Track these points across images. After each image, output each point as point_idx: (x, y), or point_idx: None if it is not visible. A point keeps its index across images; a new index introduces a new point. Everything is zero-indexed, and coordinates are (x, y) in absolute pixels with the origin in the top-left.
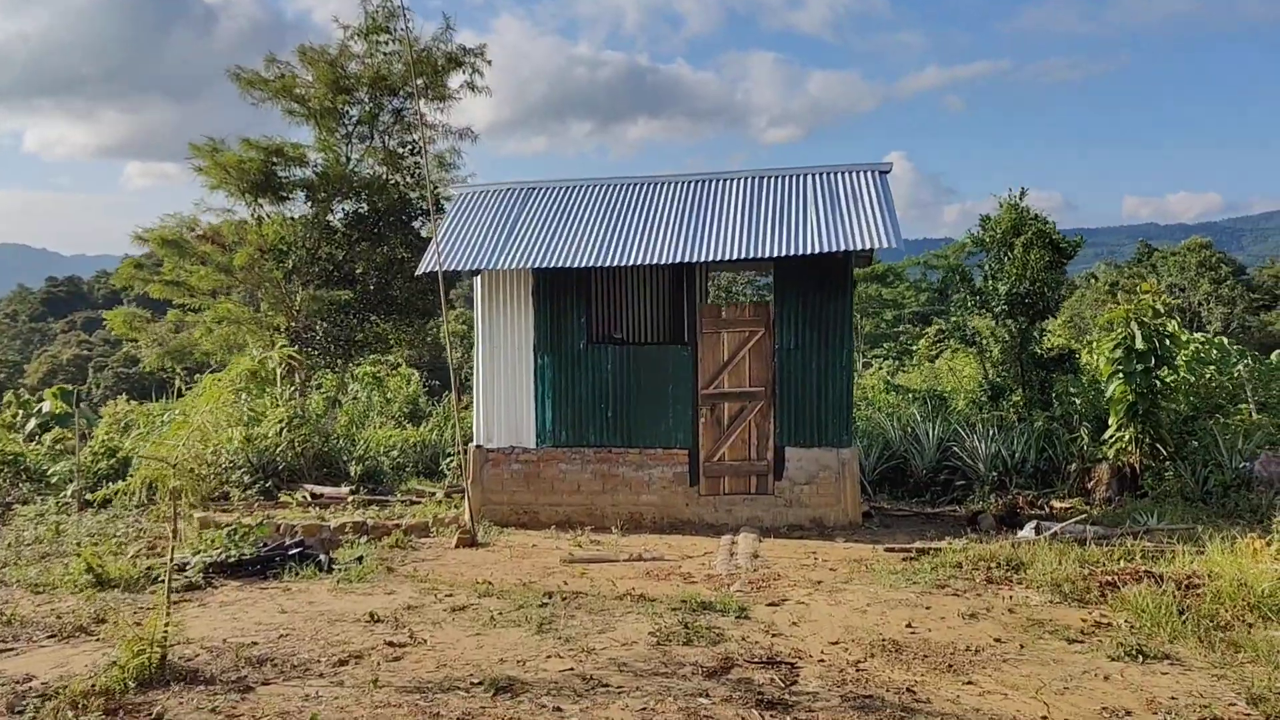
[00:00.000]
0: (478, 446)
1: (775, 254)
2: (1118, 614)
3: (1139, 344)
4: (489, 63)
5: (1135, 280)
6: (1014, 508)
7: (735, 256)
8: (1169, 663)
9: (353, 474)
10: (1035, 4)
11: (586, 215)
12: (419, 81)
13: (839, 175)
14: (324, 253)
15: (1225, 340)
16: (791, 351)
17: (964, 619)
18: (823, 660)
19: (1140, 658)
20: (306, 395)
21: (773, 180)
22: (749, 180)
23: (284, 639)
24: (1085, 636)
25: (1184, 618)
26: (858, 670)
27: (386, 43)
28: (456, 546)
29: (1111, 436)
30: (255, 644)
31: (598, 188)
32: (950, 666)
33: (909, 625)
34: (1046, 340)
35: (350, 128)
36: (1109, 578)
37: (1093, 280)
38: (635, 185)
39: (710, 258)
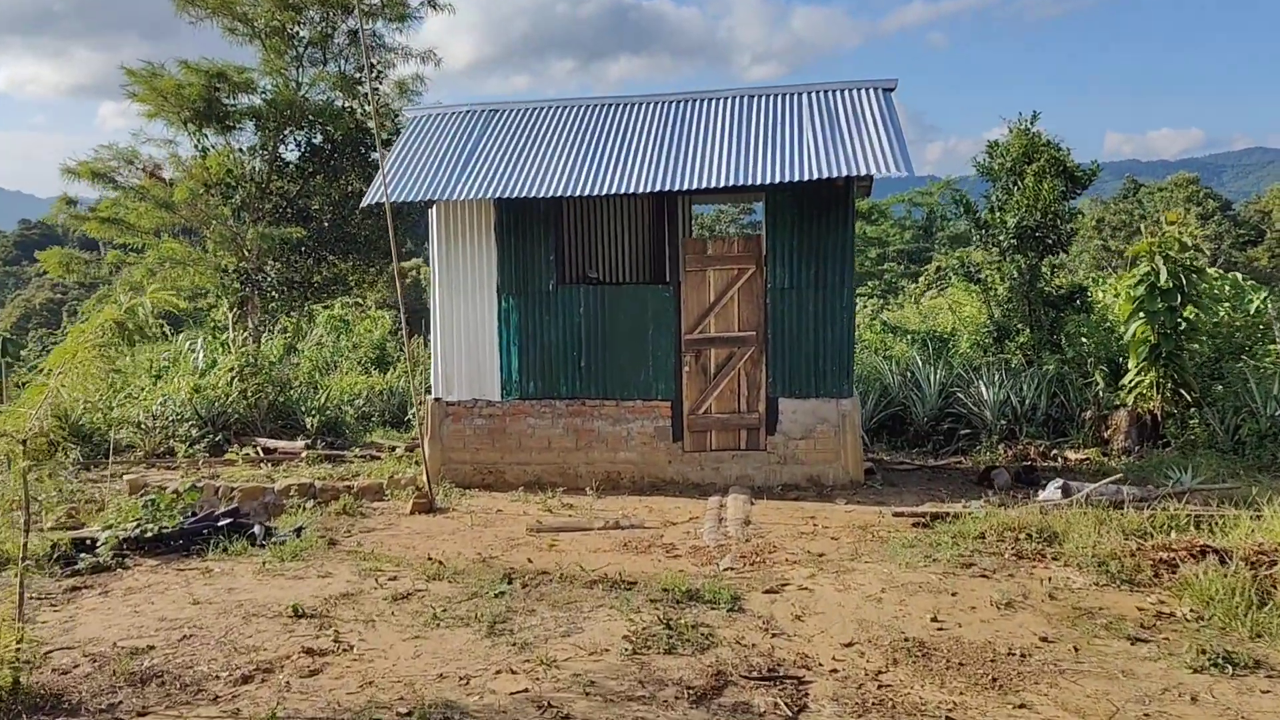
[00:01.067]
0: (436, 399)
1: (767, 180)
2: (1179, 601)
3: (1163, 280)
4: None
5: (1121, 215)
6: (1029, 462)
7: (723, 183)
8: (1265, 674)
9: (309, 426)
10: None
11: (555, 140)
12: None
13: (838, 94)
14: (275, 187)
15: (1239, 276)
16: (785, 291)
17: (999, 609)
18: (835, 670)
19: (1228, 667)
20: (261, 341)
21: (763, 100)
22: (737, 99)
23: (186, 641)
24: (1148, 633)
25: (1266, 608)
26: (880, 686)
27: None
28: (411, 513)
29: (1131, 381)
30: (150, 648)
31: (568, 109)
32: (994, 680)
33: (935, 619)
34: (1057, 277)
35: (300, 50)
36: (1163, 554)
37: (1080, 216)
38: (610, 106)
39: (694, 185)
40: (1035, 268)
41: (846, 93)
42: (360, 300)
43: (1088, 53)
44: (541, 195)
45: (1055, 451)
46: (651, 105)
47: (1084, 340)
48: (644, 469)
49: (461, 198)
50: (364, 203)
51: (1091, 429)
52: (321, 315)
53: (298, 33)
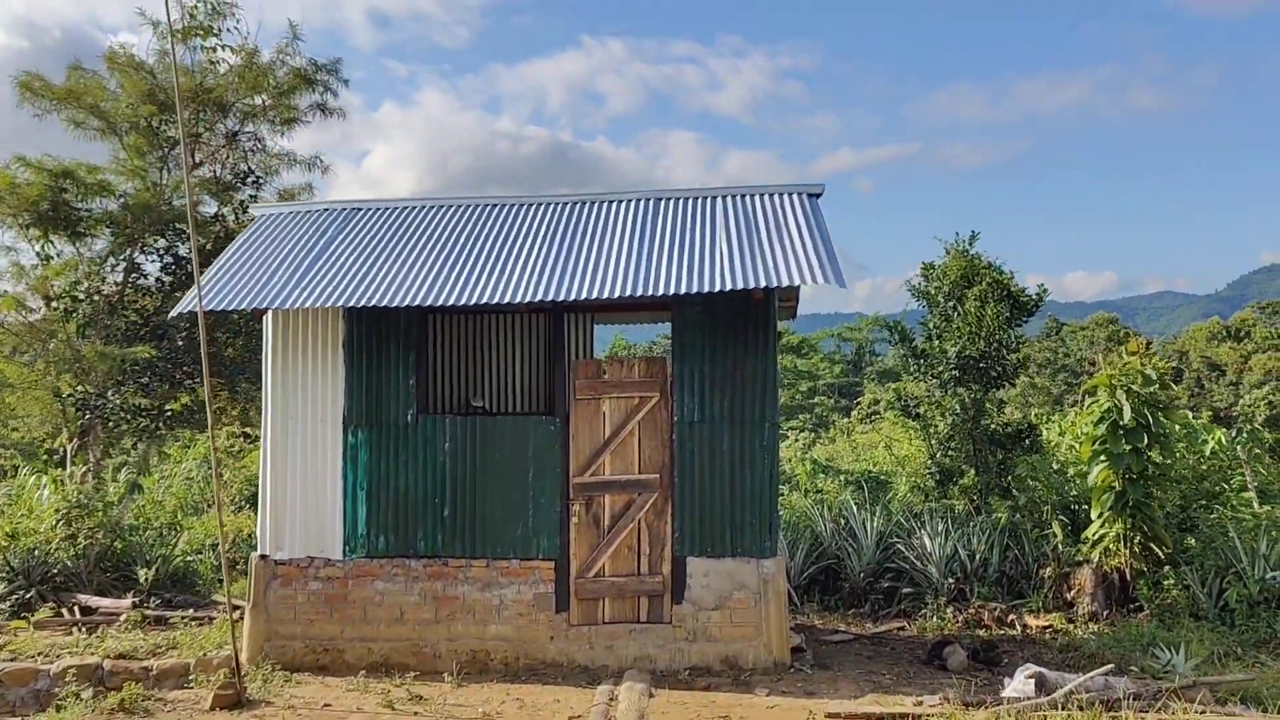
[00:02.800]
0: (262, 557)
1: (671, 291)
2: None
3: (1127, 418)
4: (345, 82)
5: (1046, 353)
6: (987, 639)
7: (618, 294)
8: None
9: (142, 579)
10: (940, 91)
11: (423, 242)
12: (259, 99)
13: (757, 198)
14: (130, 301)
15: (1188, 414)
16: (695, 425)
17: None
18: None
19: None
20: (103, 478)
21: (671, 204)
22: (640, 202)
23: None
24: None
25: None
26: None
27: (213, 49)
28: (212, 708)
29: (1095, 533)
30: None
31: (442, 209)
32: None
33: None
34: (1002, 413)
35: (165, 150)
36: None
37: (1025, 345)
38: (492, 207)
39: (584, 295)
40: (980, 402)
41: (767, 197)
42: (248, 432)
43: (1008, 198)
44: (402, 304)
45: (1013, 616)
46: (540, 207)
47: (1035, 484)
48: (520, 647)
49: (300, 305)
50: (173, 313)
51: (1052, 589)
52: (201, 447)
53: (164, 131)
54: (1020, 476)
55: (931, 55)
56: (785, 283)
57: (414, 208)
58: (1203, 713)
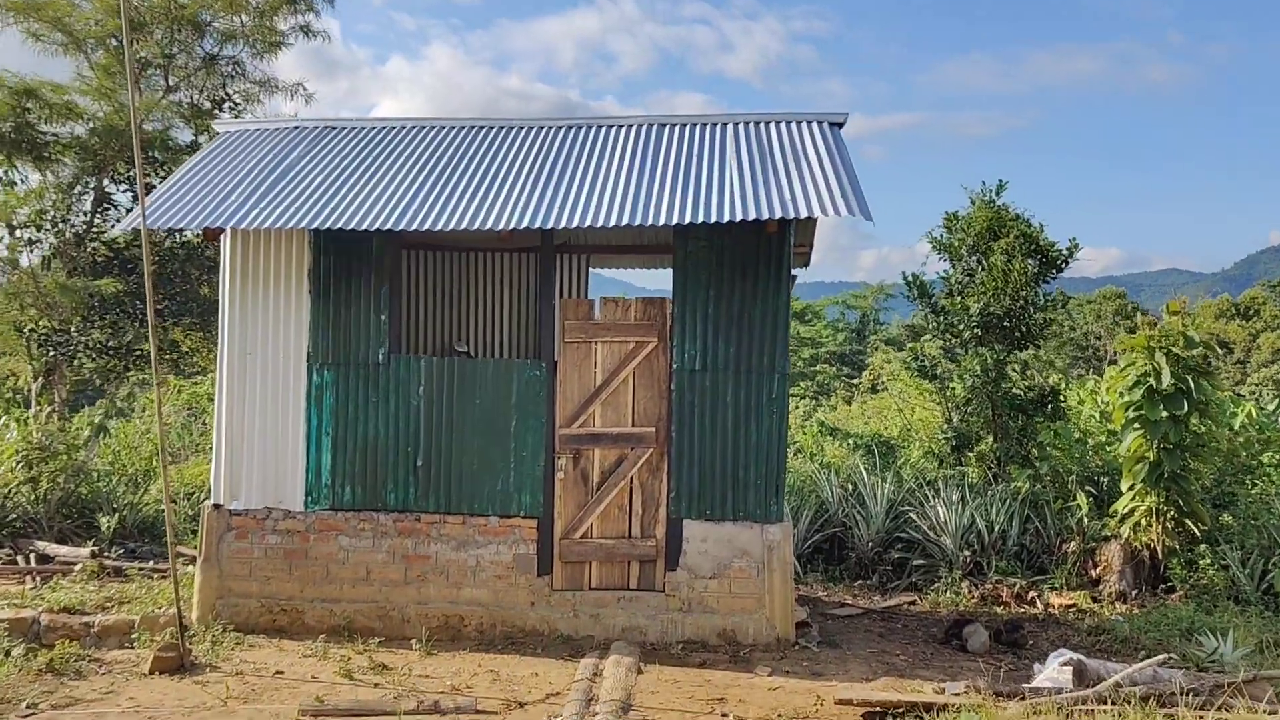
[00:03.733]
0: (215, 507)
1: (674, 220)
2: None
3: (1165, 384)
4: (330, 2)
5: (1054, 325)
6: (1011, 617)
7: (613, 222)
8: None
9: (104, 528)
10: (952, 61)
11: (402, 163)
12: (238, 20)
13: (772, 125)
14: (100, 232)
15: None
16: (696, 374)
17: None
18: None
19: None
20: (68, 418)
21: (677, 130)
22: (644, 128)
23: None
24: None
25: None
26: None
27: None
28: (150, 671)
29: (1125, 507)
30: None
31: (424, 130)
32: None
33: None
34: (1026, 376)
35: (138, 69)
36: None
37: (1057, 305)
38: (479, 129)
39: (575, 223)
40: (1001, 364)
41: (783, 124)
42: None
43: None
44: (368, 227)
45: (1034, 594)
46: (532, 130)
47: (1057, 453)
48: (497, 613)
49: (260, 225)
50: (115, 230)
51: (1076, 565)
52: (184, 391)
53: (136, 51)
54: (1042, 444)
55: (944, 24)
56: (803, 213)
57: (392, 127)
58: (1273, 714)
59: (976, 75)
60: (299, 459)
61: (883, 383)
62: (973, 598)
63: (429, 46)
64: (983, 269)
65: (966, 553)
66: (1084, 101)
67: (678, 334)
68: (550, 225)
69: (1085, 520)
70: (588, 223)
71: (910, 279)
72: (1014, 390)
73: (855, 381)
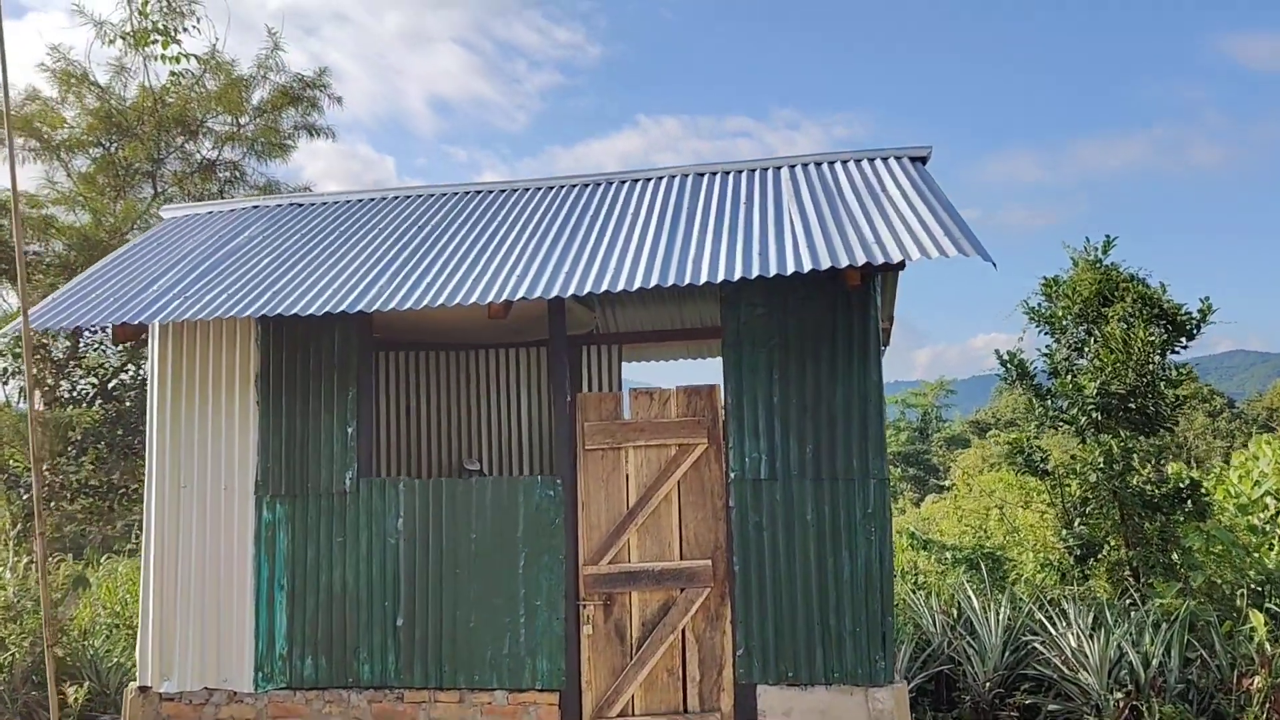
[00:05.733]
0: (142, 689)
1: (724, 276)
2: None
3: None
4: (338, 99)
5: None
6: None
7: (643, 284)
8: None
9: (71, 700)
10: (998, 154)
11: (372, 238)
12: (241, 121)
13: (838, 165)
14: (81, 357)
15: None
16: (762, 484)
17: None
18: None
19: None
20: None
21: (720, 177)
22: (678, 179)
23: None
24: None
25: None
26: None
27: (176, 58)
28: None
29: None
30: None
31: (408, 200)
32: None
33: None
34: (1154, 466)
35: (121, 174)
36: None
37: (1189, 379)
38: (471, 194)
39: (591, 288)
40: (1129, 453)
41: (854, 163)
42: None
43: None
44: (321, 310)
45: None
46: (537, 192)
47: (1209, 560)
48: None
49: (182, 318)
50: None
51: (1265, 707)
52: None
53: (118, 153)
54: (1188, 549)
55: (985, 119)
56: (894, 257)
57: (370, 199)
58: None
59: (1022, 168)
60: (246, 623)
61: (971, 481)
62: None
63: (479, 174)
64: (1095, 341)
65: (1119, 695)
66: (1132, 187)
67: (734, 432)
68: (554, 294)
69: (1267, 645)
70: (603, 287)
71: (1006, 358)
72: (1144, 486)
73: (944, 484)
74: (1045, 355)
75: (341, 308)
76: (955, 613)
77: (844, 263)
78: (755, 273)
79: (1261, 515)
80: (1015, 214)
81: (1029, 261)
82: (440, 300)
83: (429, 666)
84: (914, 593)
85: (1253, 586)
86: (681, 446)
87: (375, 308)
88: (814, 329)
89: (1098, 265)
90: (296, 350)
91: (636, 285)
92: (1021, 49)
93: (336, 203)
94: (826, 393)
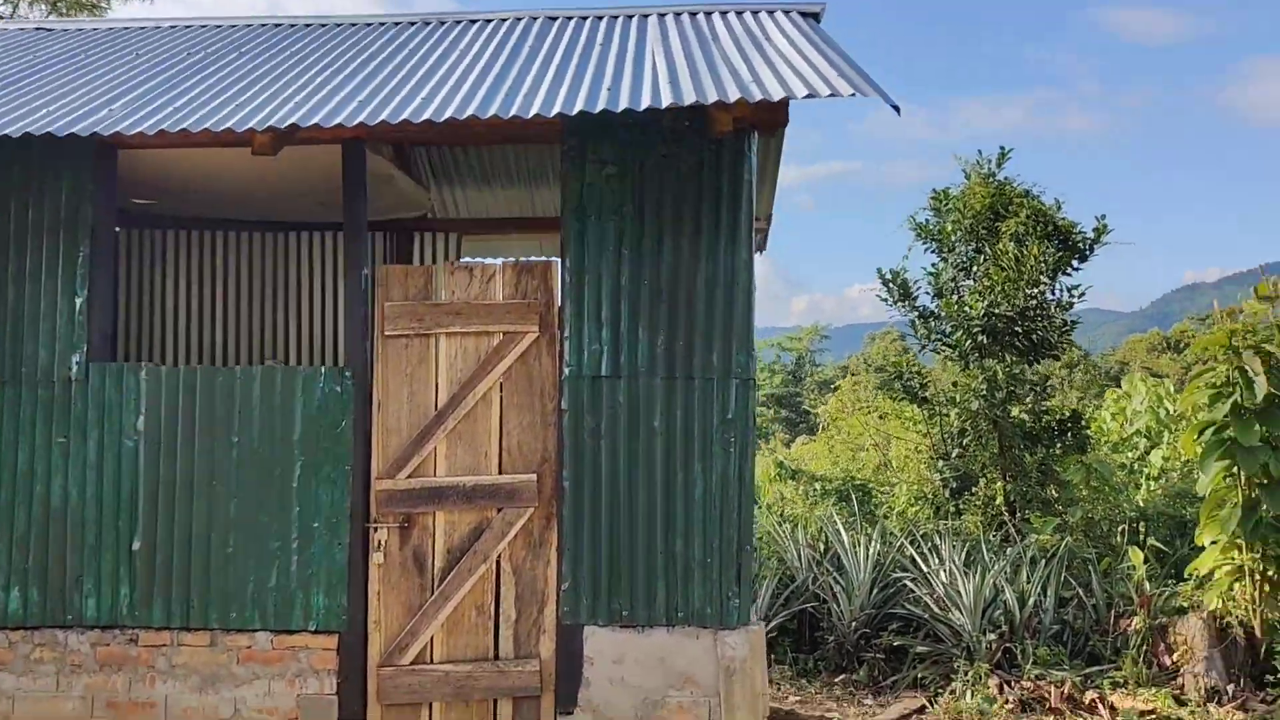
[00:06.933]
0: None
1: (561, 109)
2: None
3: (1260, 395)
4: None
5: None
6: None
7: (457, 113)
8: None
9: None
10: (886, 109)
11: (128, 64)
12: None
13: (715, 17)
14: None
15: None
16: (604, 383)
17: None
18: None
19: None
20: None
21: (574, 24)
22: (520, 23)
23: None
24: None
25: None
26: None
27: None
28: None
29: (1210, 567)
30: None
31: (180, 32)
32: None
33: None
34: (1041, 396)
35: None
36: None
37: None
38: (269, 29)
39: (389, 116)
40: (1014, 379)
41: (733, 14)
42: None
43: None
44: (26, 131)
45: (1092, 693)
46: (350, 29)
47: (1082, 495)
48: None
49: None
50: None
51: (1142, 649)
52: None
53: None
54: (1067, 484)
55: (876, 74)
56: (773, 93)
57: (136, 29)
58: None
59: (908, 124)
60: None
61: (845, 410)
62: (1008, 703)
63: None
64: (985, 259)
65: (991, 636)
66: (1012, 148)
67: (571, 319)
68: (336, 122)
69: (1146, 585)
70: (402, 116)
71: (889, 276)
72: (1024, 416)
73: (817, 411)
74: (931, 274)
75: (71, 128)
76: (822, 547)
77: (712, 97)
78: (601, 107)
79: (1131, 454)
80: (901, 168)
81: (904, 214)
82: (185, 124)
83: (172, 601)
84: (780, 525)
85: (1131, 524)
86: (507, 335)
87: (98, 130)
88: (675, 196)
89: (990, 179)
90: (10, 198)
91: (446, 115)
92: (913, 6)
93: (98, 29)
94: (687, 273)
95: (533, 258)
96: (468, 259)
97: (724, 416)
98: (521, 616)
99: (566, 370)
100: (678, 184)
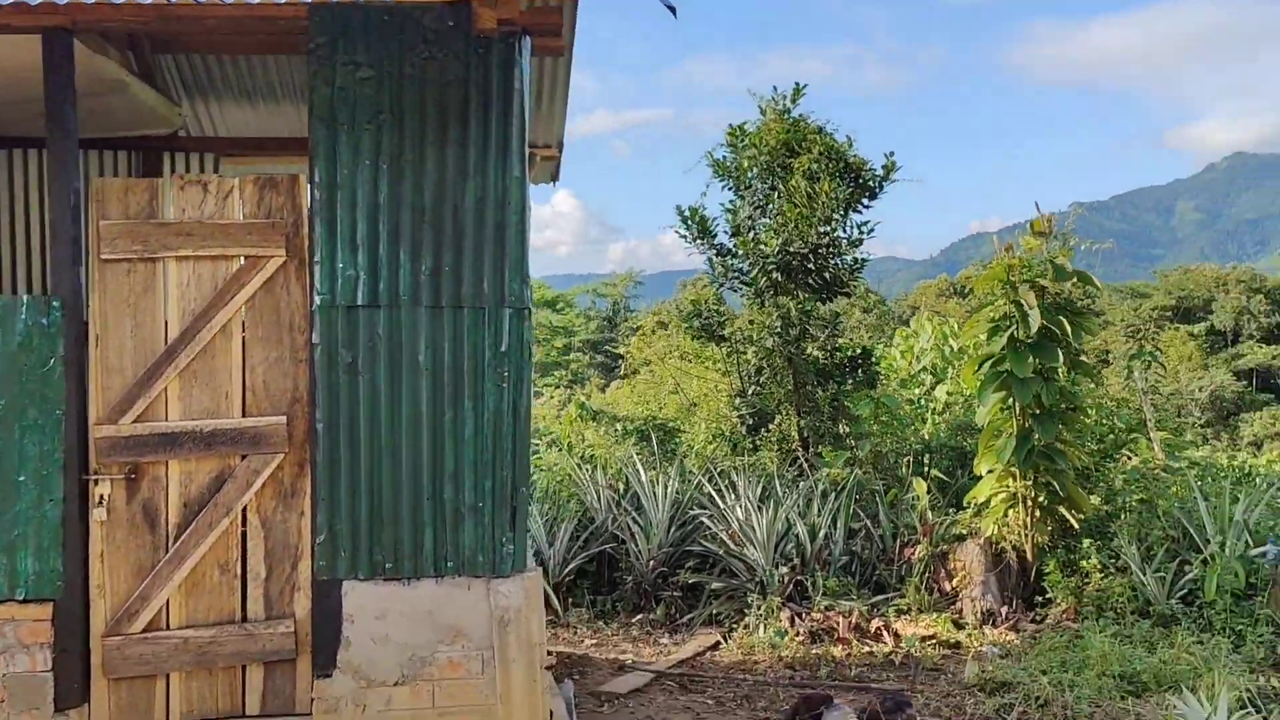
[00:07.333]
0: None
1: None
2: None
3: (1034, 328)
4: None
5: None
6: (896, 697)
7: None
8: None
9: None
10: (696, 59)
11: None
12: None
13: None
14: None
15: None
16: (361, 313)
17: None
18: None
19: None
20: None
21: None
22: None
23: None
24: None
25: None
26: None
27: None
28: None
29: (986, 495)
30: None
31: None
32: None
33: None
34: (843, 333)
35: None
36: None
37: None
38: None
39: None
40: (806, 316)
41: None
42: None
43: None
44: None
45: (878, 621)
46: None
47: (871, 429)
48: None
49: None
50: None
51: (925, 576)
52: None
53: None
54: (857, 418)
55: (685, 25)
56: None
57: None
58: None
59: (718, 74)
60: None
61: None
62: (798, 635)
63: None
64: (780, 196)
65: (784, 569)
66: (813, 101)
67: (323, 241)
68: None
69: (929, 514)
70: None
71: (687, 214)
72: (817, 354)
73: (621, 350)
74: (729, 211)
75: None
76: (622, 487)
77: None
78: None
79: (918, 390)
80: (710, 116)
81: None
82: None
83: None
84: (581, 467)
85: (916, 456)
86: (249, 260)
87: None
88: (439, 104)
89: (786, 115)
90: None
91: None
92: None
93: None
94: (454, 190)
95: (276, 172)
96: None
97: (497, 349)
98: (272, 574)
99: (318, 299)
100: (442, 90)
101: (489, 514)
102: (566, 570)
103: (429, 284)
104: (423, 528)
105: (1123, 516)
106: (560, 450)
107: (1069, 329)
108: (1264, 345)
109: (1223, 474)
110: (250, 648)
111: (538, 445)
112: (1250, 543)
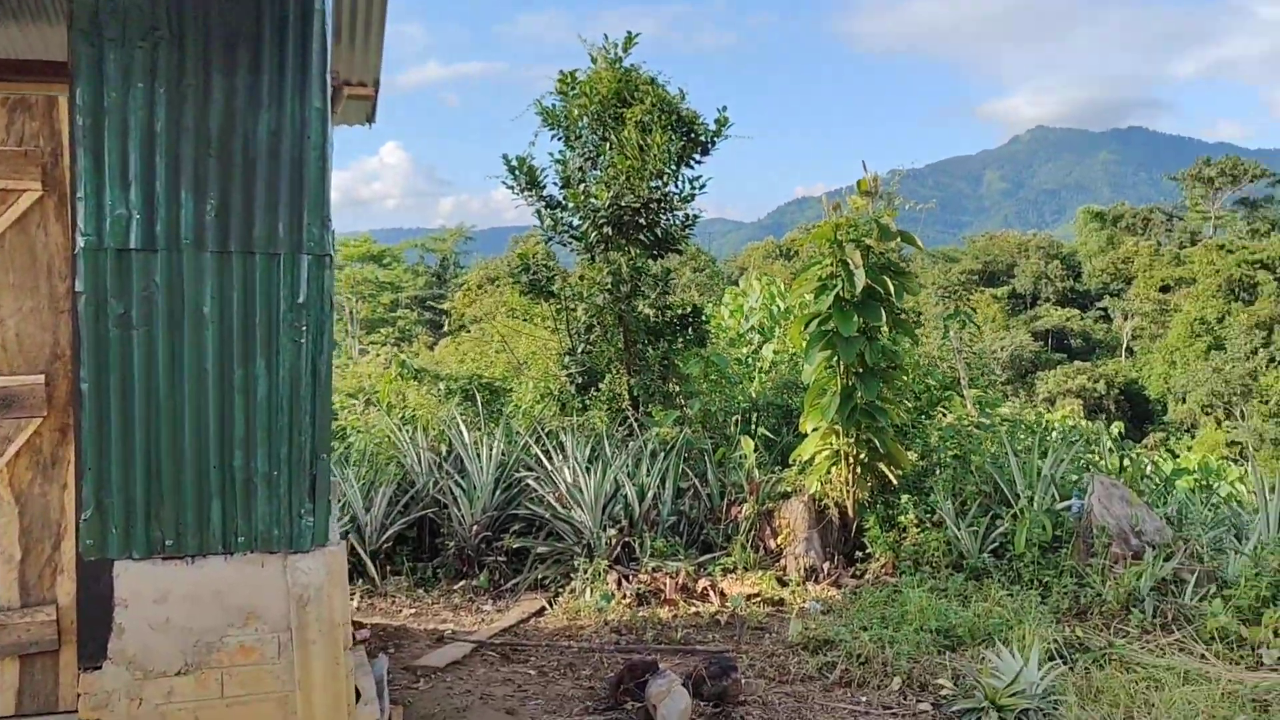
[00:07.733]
0: None
1: None
2: None
3: (857, 289)
4: None
5: None
6: (720, 661)
7: None
8: None
9: None
10: (532, 13)
11: None
12: None
13: None
14: None
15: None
16: (134, 258)
17: None
18: None
19: None
20: None
21: None
22: None
23: None
24: None
25: None
26: None
27: None
28: None
29: (811, 453)
30: None
31: None
32: None
33: None
34: (674, 291)
35: None
36: None
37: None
38: None
39: None
40: (639, 272)
41: None
42: None
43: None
44: None
45: (705, 581)
46: None
47: (700, 387)
48: None
49: None
50: None
51: (751, 534)
52: None
53: None
54: (687, 377)
55: None
56: None
57: None
58: None
59: (553, 30)
60: None
61: (481, 312)
62: (625, 597)
63: None
64: (611, 148)
65: (612, 531)
66: (650, 60)
67: (88, 175)
68: None
69: (756, 473)
70: None
71: (515, 163)
72: (647, 312)
73: (445, 307)
74: (558, 162)
75: None
76: (445, 449)
77: None
78: None
79: (746, 349)
80: (546, 71)
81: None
82: None
83: None
84: (400, 428)
85: (744, 414)
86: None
87: None
88: (227, 21)
89: (618, 64)
90: None
91: None
92: None
93: None
94: (245, 121)
95: (30, 93)
96: None
97: (293, 300)
98: (29, 555)
99: (83, 241)
100: (230, 6)
101: (285, 483)
102: (385, 537)
103: (215, 226)
104: (209, 500)
105: (938, 472)
106: (380, 410)
107: (892, 288)
108: (1059, 308)
109: (1031, 429)
110: (3, 640)
111: (356, 404)
112: (1057, 496)
